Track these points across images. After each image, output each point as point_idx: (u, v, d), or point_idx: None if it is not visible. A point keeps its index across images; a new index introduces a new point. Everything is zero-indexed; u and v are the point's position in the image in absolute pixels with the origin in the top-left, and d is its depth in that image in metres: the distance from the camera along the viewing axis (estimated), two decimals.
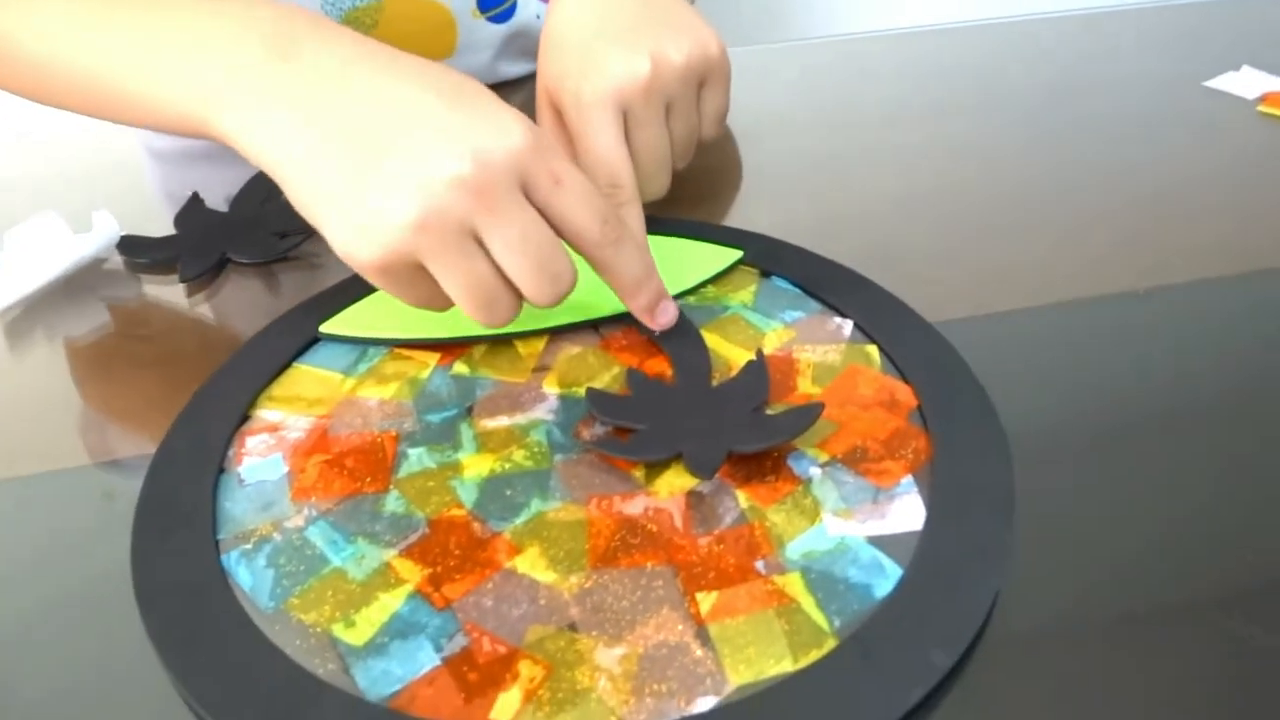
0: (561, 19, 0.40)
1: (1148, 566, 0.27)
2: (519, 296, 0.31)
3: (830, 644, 0.24)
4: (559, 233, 0.30)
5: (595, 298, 0.36)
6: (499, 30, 0.58)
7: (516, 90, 0.60)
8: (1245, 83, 0.53)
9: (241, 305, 0.41)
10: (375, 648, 0.25)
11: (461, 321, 0.36)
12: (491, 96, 0.31)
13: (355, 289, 0.38)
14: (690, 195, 0.44)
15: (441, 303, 0.31)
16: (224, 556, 0.28)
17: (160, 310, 0.41)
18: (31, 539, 0.30)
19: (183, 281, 0.42)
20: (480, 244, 0.29)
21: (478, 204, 0.28)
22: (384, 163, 0.28)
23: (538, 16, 0.60)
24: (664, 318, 0.34)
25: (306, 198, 0.30)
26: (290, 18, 0.32)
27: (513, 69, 0.61)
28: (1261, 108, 0.51)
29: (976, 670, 0.24)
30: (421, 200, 0.28)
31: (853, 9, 0.98)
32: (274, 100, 0.30)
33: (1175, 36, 0.61)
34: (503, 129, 0.29)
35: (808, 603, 0.26)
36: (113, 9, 0.34)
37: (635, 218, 0.36)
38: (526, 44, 0.60)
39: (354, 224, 0.29)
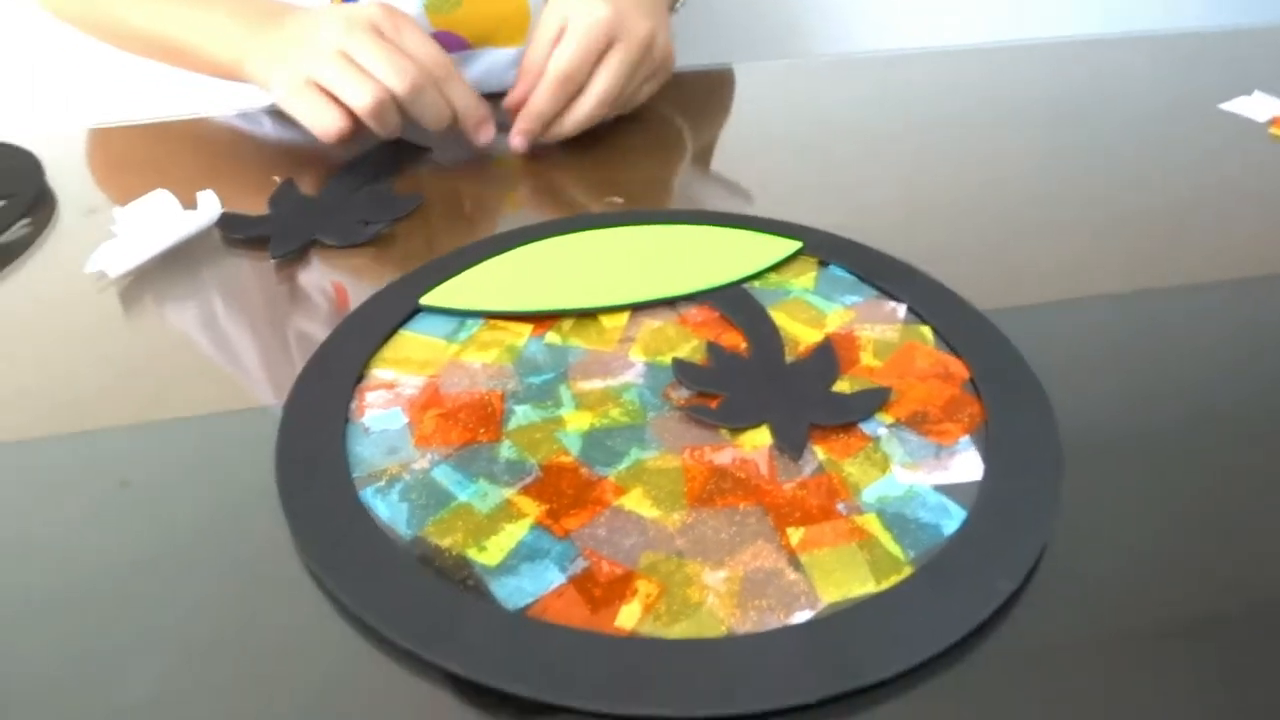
0: None
1: (1179, 521, 0.31)
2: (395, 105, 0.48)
3: (907, 571, 0.28)
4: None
5: (671, 279, 0.40)
6: None
7: None
8: (1257, 106, 0.57)
9: (325, 282, 0.44)
10: (506, 568, 0.28)
11: (548, 297, 0.40)
12: None
13: (450, 266, 0.41)
14: (754, 195, 0.49)
15: (333, 118, 0.48)
16: (360, 492, 0.31)
17: (252, 282, 0.44)
18: (162, 478, 0.33)
19: (273, 258, 0.45)
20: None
21: (347, 37, 0.47)
22: (300, 40, 0.50)
23: None
24: (484, 137, 0.52)
25: (261, 75, 0.51)
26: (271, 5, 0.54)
27: None
28: (1273, 130, 0.55)
29: (1031, 597, 0.28)
30: (312, 47, 0.48)
31: (888, 28, 1.04)
32: (260, 46, 0.52)
33: (1192, 61, 0.65)
34: (366, 7, 0.49)
35: (885, 538, 0.29)
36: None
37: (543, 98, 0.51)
38: None
39: (279, 72, 0.50)
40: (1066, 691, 0.26)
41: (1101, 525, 0.30)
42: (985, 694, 0.26)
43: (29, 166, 0.51)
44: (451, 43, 0.61)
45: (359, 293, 0.41)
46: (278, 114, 0.60)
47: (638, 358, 0.37)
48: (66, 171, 0.53)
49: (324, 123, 0.48)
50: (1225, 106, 0.57)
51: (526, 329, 0.39)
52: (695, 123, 0.60)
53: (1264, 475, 0.33)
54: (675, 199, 0.51)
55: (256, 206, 0.48)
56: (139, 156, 0.56)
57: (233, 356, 0.39)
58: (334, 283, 0.43)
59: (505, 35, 0.62)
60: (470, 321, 0.39)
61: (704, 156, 0.56)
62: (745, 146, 0.57)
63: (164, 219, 0.45)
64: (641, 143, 0.57)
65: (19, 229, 0.47)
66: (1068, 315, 0.40)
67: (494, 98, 0.62)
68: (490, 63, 0.62)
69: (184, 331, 0.41)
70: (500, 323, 0.39)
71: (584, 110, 0.52)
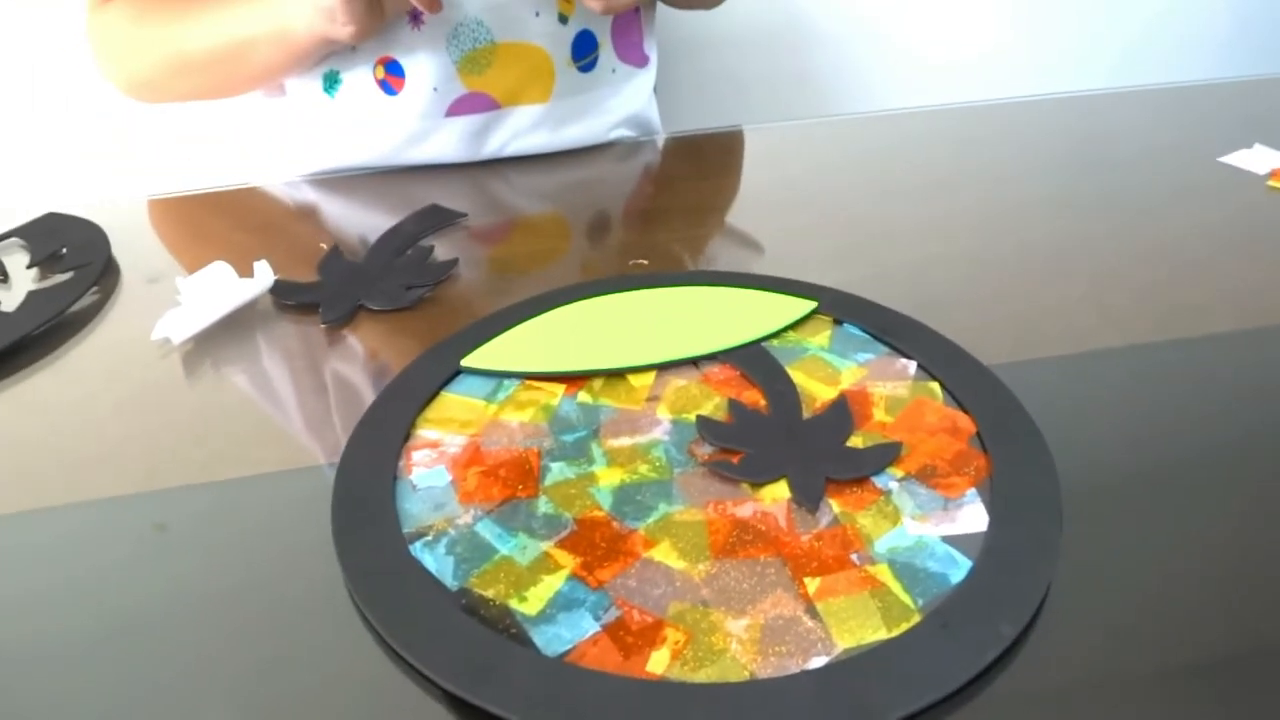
0: None
1: (1175, 567, 0.33)
2: None
3: (916, 618, 0.30)
4: None
5: (694, 339, 0.43)
6: (585, 79, 0.66)
7: (603, 152, 0.67)
8: (1257, 159, 0.59)
9: (372, 345, 0.47)
10: (545, 617, 0.31)
11: (580, 358, 0.42)
12: None
13: (487, 329, 0.44)
14: (772, 256, 0.52)
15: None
16: (410, 546, 0.34)
17: (303, 345, 0.47)
18: (224, 535, 0.36)
19: (323, 324, 0.48)
20: None
21: None
22: None
23: (613, 70, 0.68)
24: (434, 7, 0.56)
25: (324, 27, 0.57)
26: None
27: (613, 133, 0.68)
28: (1271, 183, 0.57)
29: (1034, 642, 0.30)
30: None
31: (888, 89, 1.07)
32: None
33: (1192, 115, 0.67)
34: None
35: (895, 587, 0.31)
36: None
37: None
38: (608, 104, 0.68)
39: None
40: None
41: (1100, 573, 0.32)
42: None
43: (97, 239, 0.55)
44: (482, 103, 0.64)
45: (404, 355, 0.44)
46: (319, 183, 0.64)
47: (664, 415, 0.40)
48: (129, 241, 0.57)
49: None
50: (1225, 159, 0.60)
51: (560, 389, 0.41)
52: (712, 186, 0.63)
53: (1258, 526, 0.34)
54: (695, 260, 0.54)
55: (301, 269, 0.52)
56: (195, 224, 0.60)
57: (286, 417, 0.43)
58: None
59: (531, 93, 0.65)
60: (508, 382, 0.42)
61: (721, 218, 0.59)
62: (760, 208, 0.60)
63: (223, 288, 0.49)
64: (663, 206, 0.60)
65: (88, 298, 0.51)
66: (1070, 369, 0.43)
67: (520, 161, 0.66)
68: (518, 122, 0.66)
69: (241, 394, 0.44)
70: (535, 383, 0.42)
71: None
